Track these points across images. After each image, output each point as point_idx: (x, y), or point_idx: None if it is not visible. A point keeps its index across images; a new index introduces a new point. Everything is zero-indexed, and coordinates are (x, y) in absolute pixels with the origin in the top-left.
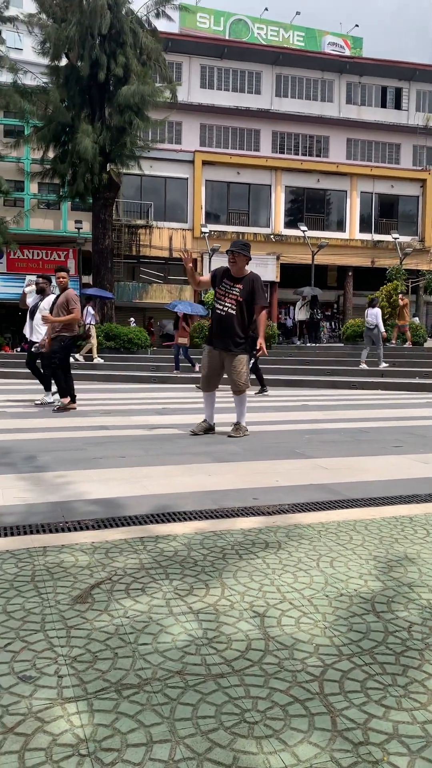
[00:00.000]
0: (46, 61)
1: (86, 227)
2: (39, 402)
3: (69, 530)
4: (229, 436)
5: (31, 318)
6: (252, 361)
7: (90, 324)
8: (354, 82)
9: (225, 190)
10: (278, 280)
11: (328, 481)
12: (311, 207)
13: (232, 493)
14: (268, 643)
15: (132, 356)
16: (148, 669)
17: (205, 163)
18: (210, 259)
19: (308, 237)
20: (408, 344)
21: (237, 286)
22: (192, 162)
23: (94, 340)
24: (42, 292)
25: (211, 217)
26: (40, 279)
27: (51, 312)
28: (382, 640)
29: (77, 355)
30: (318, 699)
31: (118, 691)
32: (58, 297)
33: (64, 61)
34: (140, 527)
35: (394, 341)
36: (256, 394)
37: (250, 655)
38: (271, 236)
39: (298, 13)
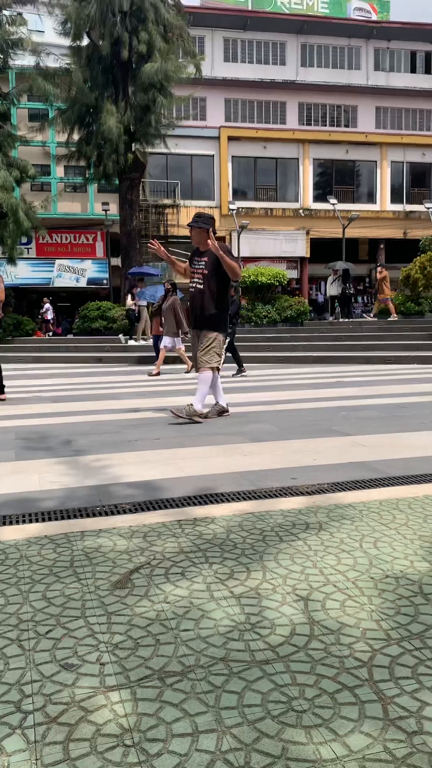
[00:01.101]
0: (67, 41)
1: (113, 209)
2: None
3: (106, 514)
4: (171, 412)
5: None
6: (228, 340)
7: (141, 306)
8: (382, 48)
9: (252, 165)
10: (308, 255)
11: (368, 459)
12: (340, 179)
13: (269, 473)
14: (313, 627)
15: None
16: (191, 656)
17: (231, 138)
18: (239, 236)
19: (338, 210)
20: (393, 317)
21: (202, 260)
22: (218, 138)
23: (143, 323)
24: None
25: (239, 193)
26: None
27: None
28: None
29: (133, 339)
30: (368, 686)
31: (162, 678)
32: None
33: (86, 41)
34: (178, 510)
35: (372, 316)
36: (233, 375)
37: (295, 640)
38: (300, 211)
39: None
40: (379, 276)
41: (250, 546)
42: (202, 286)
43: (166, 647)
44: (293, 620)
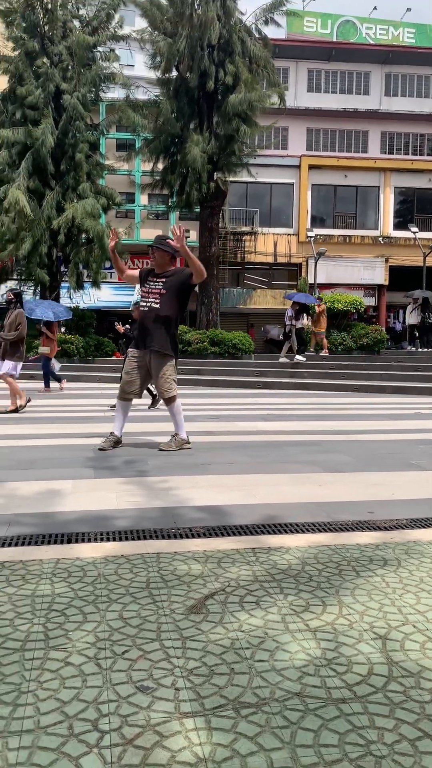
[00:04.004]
0: (156, 74)
1: (193, 236)
2: None
3: (180, 537)
4: (160, 450)
5: None
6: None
7: (292, 326)
8: None
9: (332, 193)
10: (387, 283)
11: None
12: (422, 207)
13: (345, 505)
14: (392, 668)
15: (236, 361)
16: (265, 688)
17: (311, 167)
18: (315, 263)
19: (419, 238)
20: (324, 352)
21: (159, 280)
22: (298, 167)
23: (293, 342)
24: None
25: (317, 220)
26: None
27: None
28: None
29: (301, 355)
30: None
31: (236, 709)
32: None
33: (174, 74)
34: (251, 537)
35: (312, 349)
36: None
37: (372, 680)
38: (380, 238)
39: (408, 9)
40: (318, 309)
41: (326, 579)
42: (158, 306)
43: (241, 677)
44: (371, 659)
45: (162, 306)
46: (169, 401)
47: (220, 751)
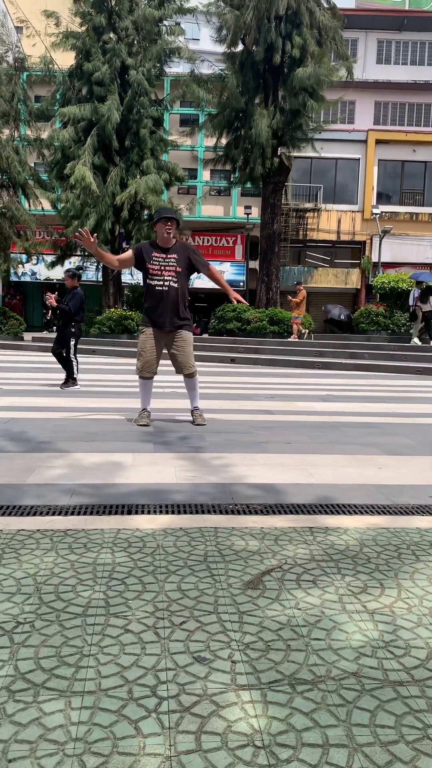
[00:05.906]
0: (222, 48)
1: (255, 213)
2: None
3: (238, 513)
4: (197, 424)
5: None
6: (74, 343)
7: (418, 306)
8: None
9: (399, 169)
10: None
11: None
12: None
13: (405, 488)
14: None
15: (296, 341)
16: (321, 666)
17: (378, 141)
18: (380, 242)
19: None
20: (294, 338)
21: (171, 256)
22: (365, 141)
23: (417, 323)
24: None
25: (383, 197)
26: None
27: None
28: None
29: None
30: None
31: (292, 685)
32: None
33: (239, 47)
34: (308, 516)
35: (295, 336)
36: (62, 385)
37: (431, 665)
38: None
39: None
40: (300, 297)
41: (384, 562)
42: (176, 285)
43: (297, 654)
44: (429, 644)
45: (180, 284)
46: (193, 375)
47: (276, 724)
